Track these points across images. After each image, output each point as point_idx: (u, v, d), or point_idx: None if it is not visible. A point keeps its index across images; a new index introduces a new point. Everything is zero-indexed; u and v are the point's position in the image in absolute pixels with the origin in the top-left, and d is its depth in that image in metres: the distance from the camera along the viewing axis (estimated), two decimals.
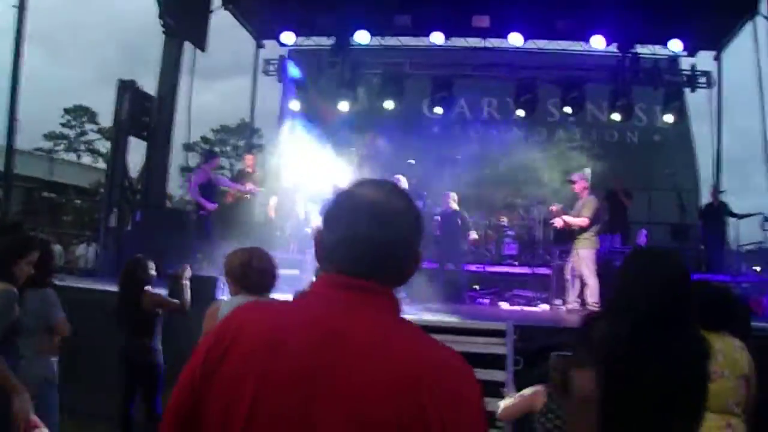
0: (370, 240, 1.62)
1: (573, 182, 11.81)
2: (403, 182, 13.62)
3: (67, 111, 53.00)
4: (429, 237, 14.43)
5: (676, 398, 2.80)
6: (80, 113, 53.48)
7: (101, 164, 49.94)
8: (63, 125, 53.08)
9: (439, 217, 13.66)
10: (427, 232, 14.29)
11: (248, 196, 14.29)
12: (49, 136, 51.66)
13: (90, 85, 76.58)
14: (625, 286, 3.10)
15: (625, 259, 3.35)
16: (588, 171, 14.36)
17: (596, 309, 10.40)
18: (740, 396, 4.01)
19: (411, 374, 1.48)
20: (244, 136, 52.45)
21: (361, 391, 1.47)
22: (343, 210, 1.68)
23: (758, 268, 14.88)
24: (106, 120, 50.27)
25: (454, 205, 13.50)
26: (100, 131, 53.19)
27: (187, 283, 7.11)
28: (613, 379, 2.81)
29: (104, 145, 53.37)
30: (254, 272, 4.41)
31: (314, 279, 5.91)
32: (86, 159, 52.26)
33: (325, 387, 1.48)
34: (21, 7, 10.97)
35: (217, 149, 52.72)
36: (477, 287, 13.63)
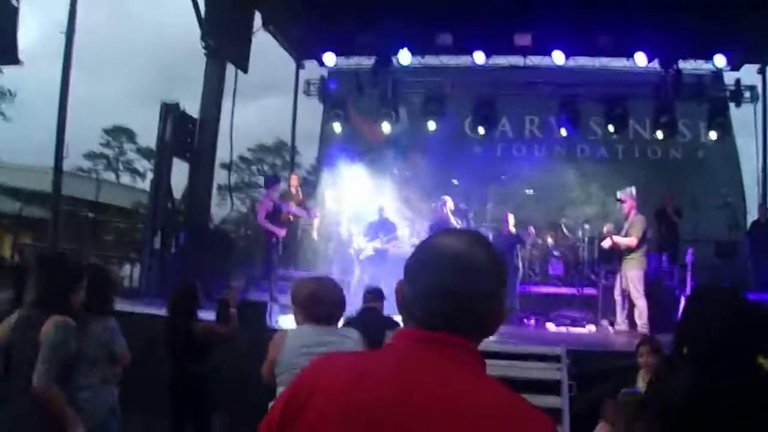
0: (452, 294, 1.58)
1: (622, 201, 11.72)
2: (449, 203, 13.58)
3: (106, 131, 53.62)
4: None
5: None
6: (119, 133, 54.09)
7: (140, 184, 50.52)
8: (103, 145, 53.69)
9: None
10: None
11: (291, 218, 14.27)
12: (89, 156, 52.20)
13: (127, 105, 77.56)
14: (693, 329, 3.01)
15: (688, 302, 3.31)
16: (633, 189, 14.23)
17: (645, 331, 10.31)
18: None
19: (487, 428, 1.45)
20: (280, 155, 52.92)
21: None
22: (424, 263, 1.65)
23: None
24: (145, 140, 51.06)
25: (512, 228, 13.43)
26: (139, 151, 53.80)
27: (235, 310, 7.06)
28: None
29: (143, 165, 54.07)
30: (322, 303, 4.31)
31: (364, 303, 5.85)
32: (125, 179, 52.82)
33: None
34: (69, 34, 11.05)
35: (254, 167, 53.18)
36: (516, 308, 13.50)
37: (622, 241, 11.28)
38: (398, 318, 5.61)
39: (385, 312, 7.76)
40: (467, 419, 1.44)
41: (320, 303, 4.30)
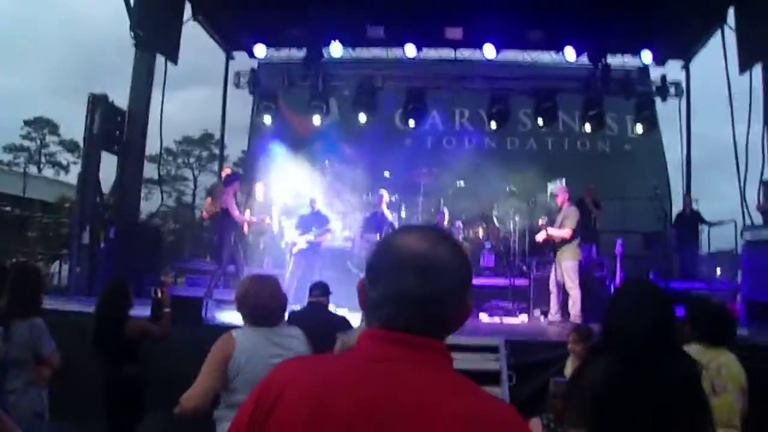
0: (417, 297, 1.57)
1: (555, 195, 11.92)
2: (386, 196, 13.66)
3: (27, 123, 52.27)
4: None
5: (680, 422, 2.86)
6: (41, 125, 52.80)
7: (63, 177, 49.44)
8: (24, 137, 52.34)
9: None
10: None
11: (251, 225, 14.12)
12: (10, 149, 50.90)
13: (49, 96, 75.79)
14: (618, 320, 3.16)
15: (614, 294, 3.61)
16: (563, 181, 14.48)
17: (578, 320, 10.53)
18: (740, 409, 4.15)
19: (457, 428, 1.43)
20: (206, 148, 52.39)
21: None
22: (387, 264, 1.62)
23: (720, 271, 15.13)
24: (68, 132, 49.96)
25: (446, 222, 13.60)
26: (62, 144, 52.62)
27: (168, 310, 6.95)
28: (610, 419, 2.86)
29: (66, 158, 52.94)
30: (264, 303, 4.28)
31: (309, 298, 5.77)
32: (48, 172, 51.69)
33: None
34: None
35: (180, 160, 52.54)
36: None
37: (556, 232, 11.50)
38: (341, 312, 5.64)
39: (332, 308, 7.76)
40: (440, 419, 1.43)
41: (262, 303, 4.28)
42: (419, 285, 1.56)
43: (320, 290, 7.62)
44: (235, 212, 12.33)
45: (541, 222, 12.14)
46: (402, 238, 1.65)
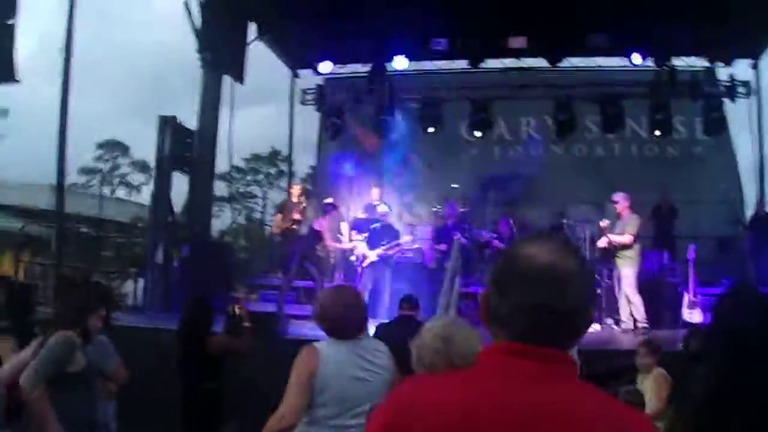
0: (552, 308, 1.55)
1: (615, 202, 11.78)
2: (458, 209, 13.68)
3: (100, 145, 53.53)
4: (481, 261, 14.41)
5: None
6: (113, 147, 54.01)
7: (135, 197, 50.39)
8: (96, 160, 53.60)
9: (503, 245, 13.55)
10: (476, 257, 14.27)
11: (294, 227, 14.28)
12: (84, 171, 52.11)
13: (117, 119, 77.25)
14: (727, 325, 3.06)
15: (719, 301, 3.34)
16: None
17: (645, 326, 10.48)
18: None
19: None
20: (274, 165, 52.87)
21: None
22: (519, 274, 1.59)
23: None
24: (138, 153, 50.94)
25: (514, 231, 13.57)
26: (133, 164, 53.72)
27: (249, 324, 7.04)
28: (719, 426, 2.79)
29: (137, 179, 54.01)
30: (347, 314, 4.18)
31: (400, 311, 5.70)
32: (119, 193, 52.76)
33: None
34: (67, 50, 11.03)
35: (248, 177, 53.13)
36: None
37: (618, 239, 11.37)
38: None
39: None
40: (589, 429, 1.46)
41: (341, 314, 4.16)
42: (557, 297, 1.55)
43: (410, 303, 7.63)
44: (329, 241, 12.58)
45: (602, 224, 11.97)
46: (531, 248, 1.62)
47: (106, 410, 5.28)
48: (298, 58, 18.87)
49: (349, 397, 3.87)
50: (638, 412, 1.57)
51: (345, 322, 4.15)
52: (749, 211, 16.91)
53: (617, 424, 1.48)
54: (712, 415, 2.81)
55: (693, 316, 11.42)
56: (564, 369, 1.56)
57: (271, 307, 11.52)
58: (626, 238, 11.16)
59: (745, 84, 17.34)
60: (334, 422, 3.84)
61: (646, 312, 11.20)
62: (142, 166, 52.47)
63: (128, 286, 17.74)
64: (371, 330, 8.66)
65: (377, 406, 1.71)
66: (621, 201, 11.76)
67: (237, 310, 7.30)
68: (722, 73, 17.53)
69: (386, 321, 8.07)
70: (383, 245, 12.65)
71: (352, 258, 14.12)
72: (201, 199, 14.51)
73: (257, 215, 52.34)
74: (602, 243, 11.79)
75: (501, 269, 1.63)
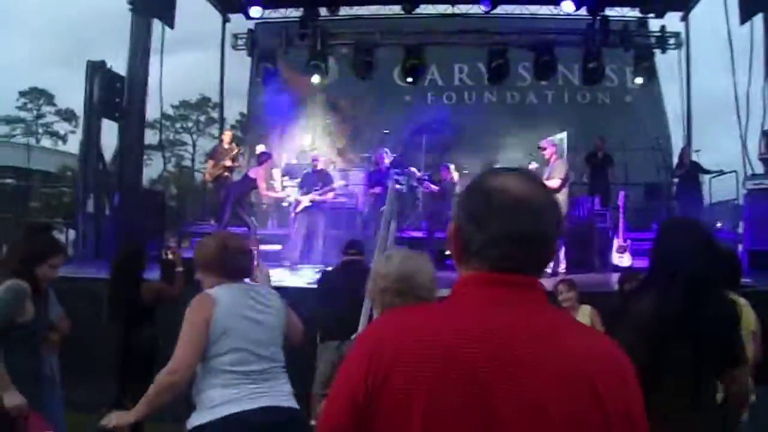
0: (528, 236, 1.56)
1: (543, 149, 11.88)
2: (388, 155, 13.68)
3: (22, 93, 52.11)
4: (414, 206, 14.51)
5: (719, 359, 3.08)
6: (36, 95, 52.65)
7: (61, 147, 49.36)
8: (19, 108, 52.21)
9: (436, 188, 13.61)
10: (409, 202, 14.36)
11: (226, 174, 14.20)
12: (6, 120, 50.78)
13: (39, 65, 75.21)
14: (665, 256, 3.30)
15: (659, 232, 3.59)
16: (562, 136, 14.42)
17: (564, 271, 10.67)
18: (750, 351, 4.14)
19: (586, 366, 1.46)
20: (203, 111, 52.26)
21: (540, 384, 1.43)
22: (497, 205, 1.58)
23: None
24: (63, 101, 49.73)
25: (454, 176, 13.64)
26: (58, 113, 52.50)
27: (181, 269, 6.99)
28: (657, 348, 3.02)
29: (63, 128, 52.84)
30: (232, 257, 3.95)
31: (345, 256, 5.70)
32: (45, 142, 51.62)
33: (501, 388, 1.43)
34: None
35: (178, 125, 52.43)
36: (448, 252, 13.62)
37: (546, 184, 11.45)
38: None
39: None
40: (564, 356, 1.47)
41: (230, 257, 3.94)
42: (533, 225, 1.56)
43: (357, 248, 7.61)
44: (264, 191, 12.57)
45: (531, 167, 12.11)
46: (502, 180, 1.62)
47: (51, 363, 5.20)
48: (228, 3, 18.55)
49: (252, 339, 3.69)
50: (615, 344, 1.59)
51: (226, 266, 3.91)
52: (675, 159, 17.32)
53: (589, 348, 1.52)
54: (661, 341, 2.96)
55: (623, 260, 11.68)
56: (535, 294, 1.58)
57: None
58: (554, 183, 11.22)
59: (676, 35, 17.59)
60: (241, 368, 3.63)
61: (576, 257, 11.42)
62: (68, 115, 51.37)
63: (58, 236, 17.41)
64: (316, 276, 8.70)
65: (357, 338, 1.69)
66: (548, 147, 11.80)
67: (170, 256, 7.24)
68: (654, 24, 17.81)
69: (329, 267, 8.05)
70: (316, 190, 12.64)
71: (285, 204, 14.12)
72: (131, 146, 14.25)
73: (187, 163, 51.84)
74: None
75: (476, 202, 1.62)
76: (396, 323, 1.60)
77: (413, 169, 14.43)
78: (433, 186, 13.41)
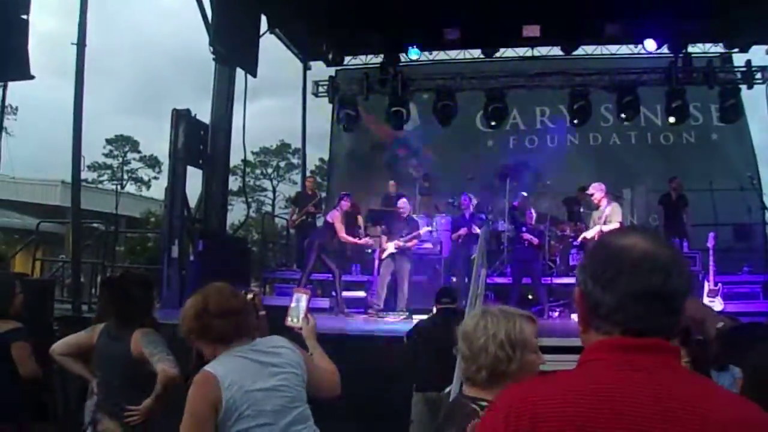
0: (661, 296, 1.50)
1: (590, 194, 11.70)
2: (473, 200, 13.56)
3: (109, 141, 53.68)
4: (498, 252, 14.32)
5: None
6: (122, 142, 54.16)
7: (144, 193, 50.52)
8: (106, 155, 53.76)
9: (536, 240, 13.36)
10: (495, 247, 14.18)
11: (309, 220, 14.24)
12: (93, 167, 52.24)
13: (125, 115, 77.24)
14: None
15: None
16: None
17: None
18: None
19: None
20: (284, 158, 52.99)
21: None
22: (621, 266, 1.53)
23: None
24: (147, 148, 51.01)
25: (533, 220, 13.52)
26: (142, 160, 53.87)
27: (264, 313, 6.94)
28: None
29: (146, 174, 54.15)
30: (219, 319, 3.41)
31: (438, 305, 5.58)
32: (130, 188, 52.92)
33: None
34: (80, 45, 10.90)
35: (258, 171, 53.23)
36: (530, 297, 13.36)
37: (607, 229, 11.24)
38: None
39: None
40: (719, 427, 1.38)
41: (220, 320, 3.41)
42: (662, 283, 1.51)
43: (450, 296, 7.50)
44: (342, 232, 12.54)
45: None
46: (627, 239, 1.58)
47: None
48: (309, 50, 18.78)
49: (270, 412, 3.21)
50: (759, 408, 1.48)
51: (211, 331, 3.40)
52: (766, 198, 16.82)
53: (738, 416, 1.42)
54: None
55: (714, 304, 11.32)
56: (672, 359, 1.51)
57: (286, 301, 11.42)
58: (613, 227, 10.99)
59: (762, 69, 17.16)
60: None
61: None
62: (151, 161, 52.64)
63: None
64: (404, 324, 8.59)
65: (486, 414, 1.63)
66: (597, 191, 11.77)
67: (249, 296, 7.20)
68: (738, 59, 17.40)
69: (424, 318, 7.94)
70: (402, 237, 12.56)
71: (368, 251, 14.06)
72: (215, 193, 14.42)
73: (267, 209, 52.52)
74: (590, 234, 11.75)
75: (602, 262, 1.57)
76: (533, 392, 1.53)
77: (500, 222, 14.35)
78: (533, 238, 13.11)
